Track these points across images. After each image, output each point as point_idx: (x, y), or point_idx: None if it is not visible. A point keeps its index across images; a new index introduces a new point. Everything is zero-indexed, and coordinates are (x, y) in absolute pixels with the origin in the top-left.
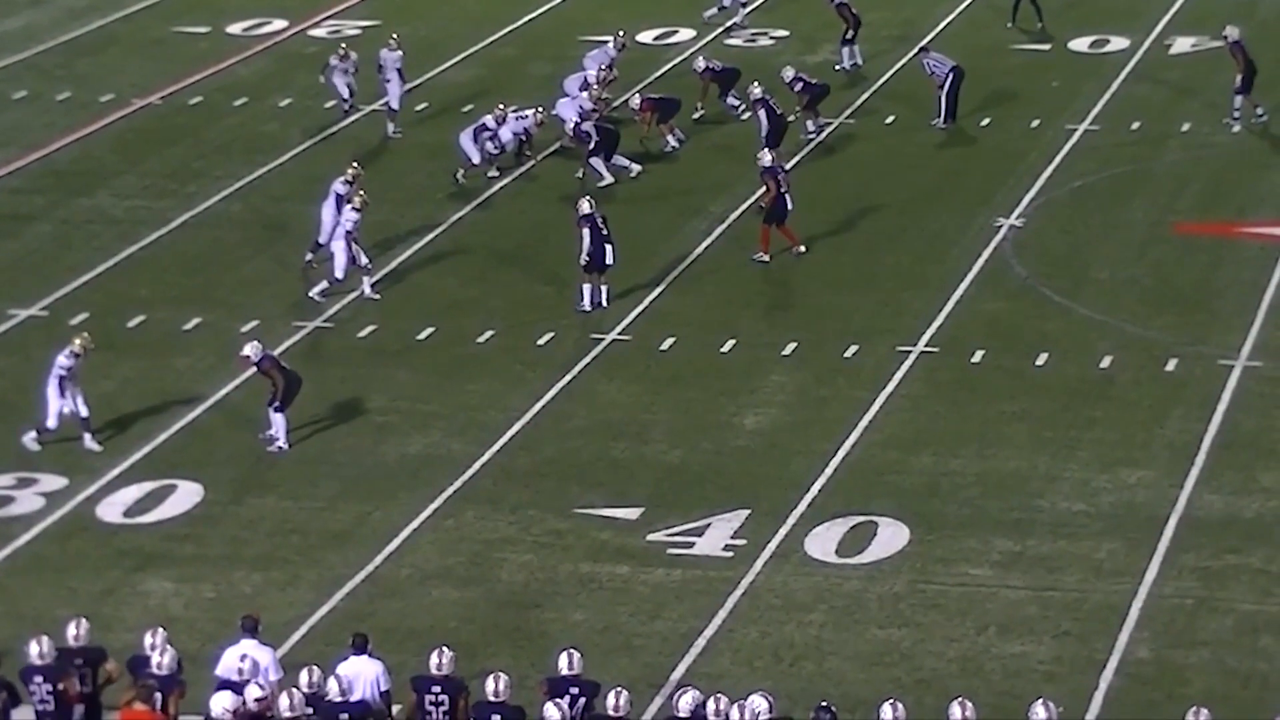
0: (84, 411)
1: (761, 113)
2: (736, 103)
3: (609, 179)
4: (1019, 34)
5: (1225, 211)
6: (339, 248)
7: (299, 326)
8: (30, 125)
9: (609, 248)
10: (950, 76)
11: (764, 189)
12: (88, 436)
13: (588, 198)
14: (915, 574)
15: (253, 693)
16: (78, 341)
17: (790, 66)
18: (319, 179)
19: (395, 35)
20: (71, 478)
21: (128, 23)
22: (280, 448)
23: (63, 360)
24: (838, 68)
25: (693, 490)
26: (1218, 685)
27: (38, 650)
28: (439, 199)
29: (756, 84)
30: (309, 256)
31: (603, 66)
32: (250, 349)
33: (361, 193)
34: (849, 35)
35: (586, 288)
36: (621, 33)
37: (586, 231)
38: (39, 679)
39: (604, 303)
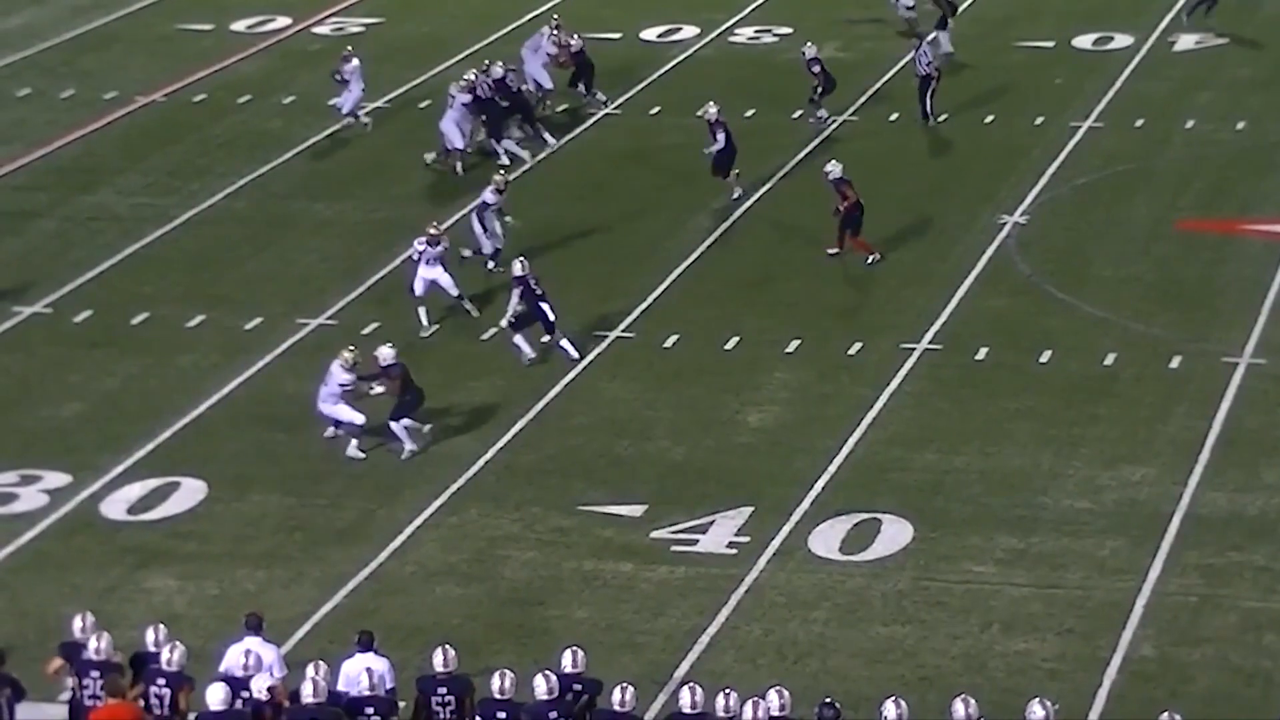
0: (359, 420)
1: (720, 135)
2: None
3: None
4: (1022, 30)
5: (1228, 209)
6: (477, 228)
7: (303, 324)
8: (34, 122)
9: (545, 306)
10: (931, 75)
11: (842, 199)
12: (354, 443)
13: (521, 259)
14: (919, 571)
15: (261, 682)
16: (348, 355)
17: (812, 44)
18: (322, 176)
19: (350, 46)
20: (75, 475)
21: (131, 20)
22: (411, 451)
23: (343, 377)
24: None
25: (696, 488)
26: (1221, 683)
27: (95, 646)
28: (442, 196)
29: (712, 104)
30: (467, 253)
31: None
32: (384, 351)
33: (501, 173)
34: (945, 23)
35: (521, 339)
36: (555, 17)
37: (518, 293)
38: (95, 674)
39: (576, 354)
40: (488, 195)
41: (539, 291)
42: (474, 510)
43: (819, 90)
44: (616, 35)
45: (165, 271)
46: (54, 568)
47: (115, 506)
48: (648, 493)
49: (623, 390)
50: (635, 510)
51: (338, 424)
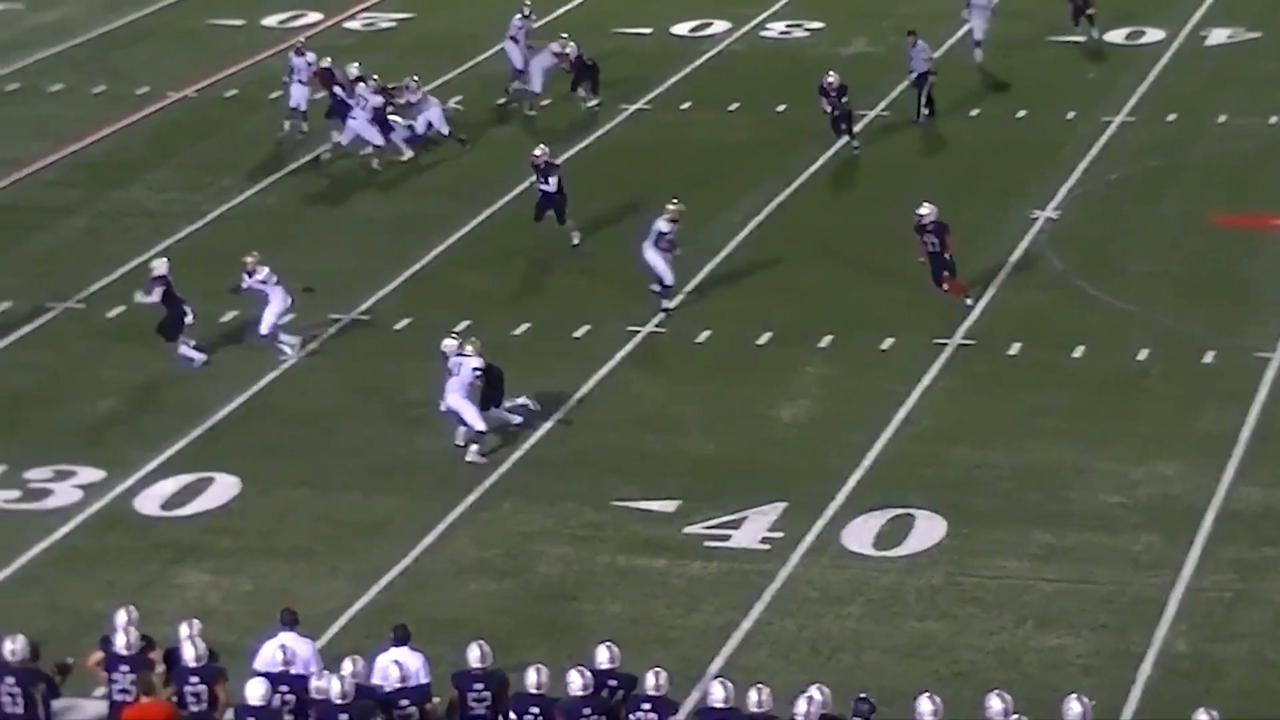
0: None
1: (552, 179)
2: None
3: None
4: (1055, 27)
5: (1261, 203)
6: (652, 257)
7: (335, 319)
8: (65, 118)
9: (186, 307)
10: (928, 73)
11: (942, 245)
12: (473, 449)
13: (164, 259)
14: (952, 567)
15: (318, 683)
16: (469, 345)
17: (834, 73)
18: (352, 171)
19: (303, 39)
20: (109, 471)
21: (163, 16)
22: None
23: (476, 362)
24: (1081, 40)
25: (729, 483)
26: (1255, 678)
27: (124, 641)
28: (472, 192)
29: (540, 146)
30: (663, 302)
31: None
32: (447, 343)
33: (675, 202)
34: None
35: (185, 348)
36: (528, 3)
37: (160, 292)
38: (124, 668)
39: (291, 346)
40: (661, 224)
41: (178, 294)
42: (507, 505)
43: (838, 116)
44: (647, 30)
45: (197, 267)
46: (88, 563)
47: (149, 502)
48: (680, 488)
49: (655, 385)
50: (668, 506)
51: (463, 423)
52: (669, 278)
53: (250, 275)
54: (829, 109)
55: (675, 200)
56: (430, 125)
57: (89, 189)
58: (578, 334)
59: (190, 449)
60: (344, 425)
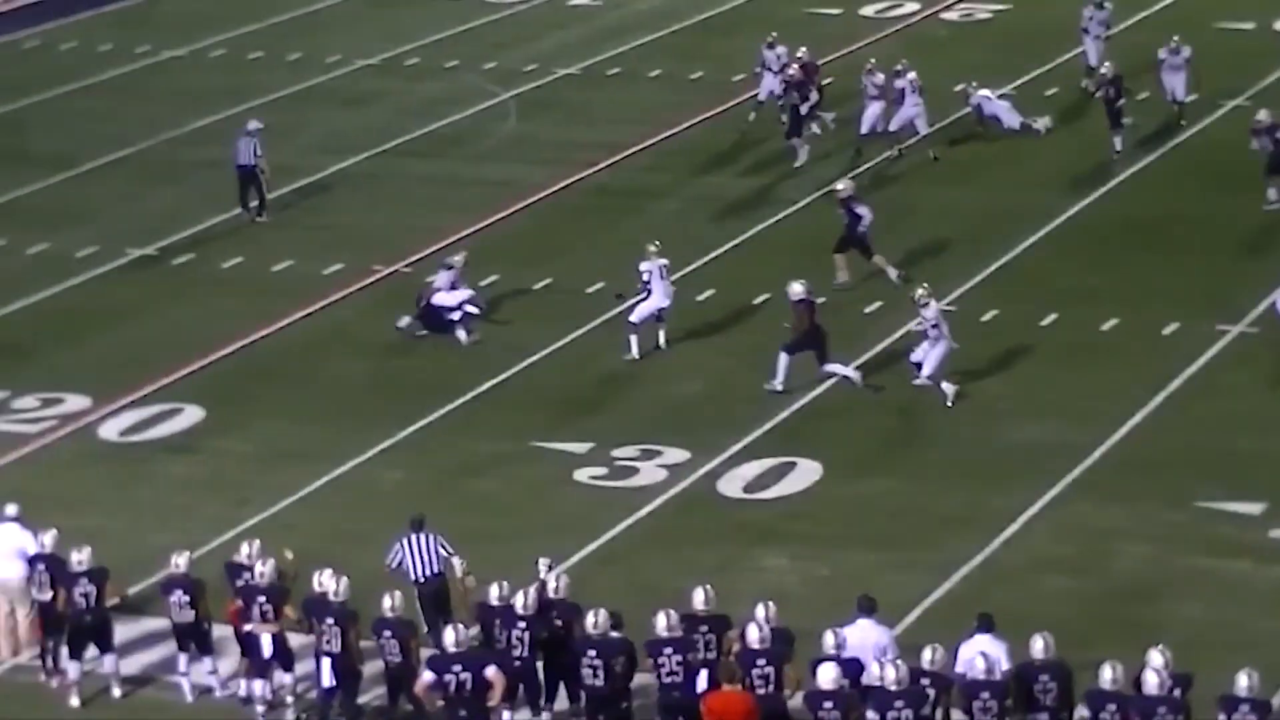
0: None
1: (860, 208)
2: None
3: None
4: None
5: None
6: None
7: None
8: (663, 104)
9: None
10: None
11: None
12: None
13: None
14: None
15: (875, 669)
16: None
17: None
18: (948, 160)
19: (775, 34)
20: (694, 451)
21: (762, 3)
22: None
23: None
24: None
25: None
26: None
27: (665, 624)
28: (1063, 184)
29: (844, 180)
30: None
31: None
32: (794, 288)
33: None
34: None
35: None
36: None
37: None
38: (668, 650)
39: None
40: None
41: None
42: (1087, 502)
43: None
44: (1249, 25)
45: (781, 253)
46: (669, 542)
47: (732, 484)
48: (1268, 491)
49: (1246, 385)
50: (1254, 508)
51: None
52: None
53: (642, 263)
54: (1264, 148)
55: None
56: (906, 123)
57: (681, 174)
58: (1167, 331)
59: (774, 433)
60: (927, 415)
